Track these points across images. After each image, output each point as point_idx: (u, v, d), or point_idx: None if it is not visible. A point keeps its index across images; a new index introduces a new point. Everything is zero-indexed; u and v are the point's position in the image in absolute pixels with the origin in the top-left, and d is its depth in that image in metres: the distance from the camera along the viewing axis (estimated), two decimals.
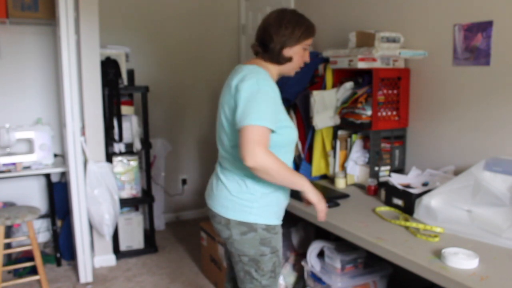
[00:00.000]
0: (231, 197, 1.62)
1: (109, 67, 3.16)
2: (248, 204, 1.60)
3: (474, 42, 2.05)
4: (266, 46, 1.64)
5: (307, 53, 1.72)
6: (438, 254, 1.48)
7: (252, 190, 1.60)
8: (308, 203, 1.62)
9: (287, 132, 1.61)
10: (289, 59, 1.66)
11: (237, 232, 1.60)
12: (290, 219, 1.71)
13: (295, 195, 1.84)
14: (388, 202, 2.05)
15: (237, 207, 1.60)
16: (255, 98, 1.48)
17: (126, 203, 3.36)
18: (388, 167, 2.39)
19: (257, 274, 1.64)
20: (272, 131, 1.51)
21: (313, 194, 1.58)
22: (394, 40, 2.30)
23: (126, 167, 3.34)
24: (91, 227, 3.11)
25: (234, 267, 1.71)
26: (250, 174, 1.58)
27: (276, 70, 1.69)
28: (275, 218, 1.66)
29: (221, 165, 1.70)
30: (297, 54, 1.67)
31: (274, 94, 1.54)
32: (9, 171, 2.97)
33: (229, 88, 1.58)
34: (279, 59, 1.65)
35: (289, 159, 1.67)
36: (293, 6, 3.42)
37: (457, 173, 1.98)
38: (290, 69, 1.71)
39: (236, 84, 1.54)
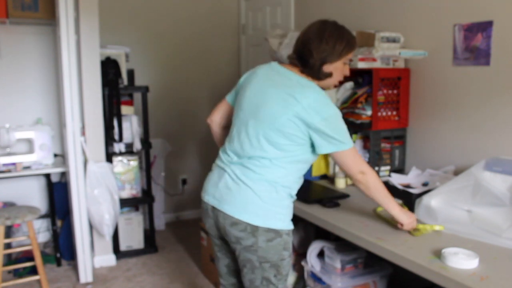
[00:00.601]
0: (262, 203, 1.56)
1: (109, 67, 3.16)
2: (278, 210, 1.58)
3: (474, 42, 2.05)
4: (305, 61, 1.59)
5: (347, 66, 1.67)
6: (438, 254, 1.48)
7: (281, 196, 1.59)
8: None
9: None
10: (329, 75, 1.62)
11: (263, 239, 1.56)
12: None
13: (301, 198, 1.84)
14: None
15: (267, 214, 1.56)
16: (338, 122, 1.55)
17: (126, 203, 3.36)
18: (388, 167, 2.39)
19: (276, 279, 1.62)
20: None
21: (402, 218, 1.66)
22: (394, 40, 2.30)
23: (126, 167, 3.34)
24: (91, 227, 3.11)
25: (246, 275, 1.63)
26: (281, 179, 1.58)
27: (316, 83, 1.64)
28: (292, 222, 1.66)
29: (245, 166, 1.59)
30: (337, 69, 1.63)
31: None
32: (9, 171, 2.97)
33: (297, 102, 1.51)
34: (319, 75, 1.61)
35: (305, 169, 1.68)
36: (293, 6, 3.42)
37: (457, 173, 1.98)
38: (329, 84, 1.67)
39: (313, 107, 1.50)
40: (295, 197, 1.69)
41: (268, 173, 1.57)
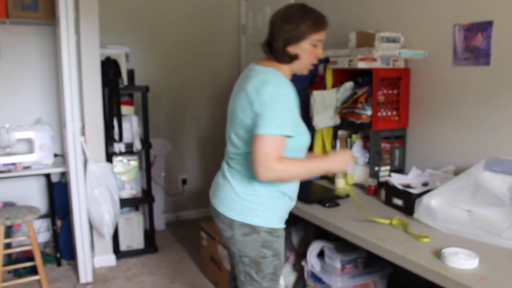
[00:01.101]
0: (237, 198, 1.60)
1: (109, 67, 3.16)
2: (254, 207, 1.58)
3: (474, 42, 2.05)
4: (271, 46, 1.58)
5: (319, 49, 1.61)
6: (438, 254, 1.48)
7: (258, 192, 1.59)
8: None
9: (301, 139, 1.59)
10: (295, 57, 1.58)
11: (239, 233, 1.59)
12: (290, 219, 1.71)
13: (301, 198, 1.83)
14: (388, 202, 2.05)
15: (242, 209, 1.58)
16: (276, 104, 1.46)
17: (126, 203, 3.36)
18: (388, 167, 2.39)
19: (257, 276, 1.62)
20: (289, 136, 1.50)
21: (336, 168, 1.63)
22: (394, 40, 2.30)
23: (126, 167, 3.34)
24: (91, 227, 3.11)
25: (236, 266, 1.70)
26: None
27: (288, 69, 1.62)
28: (279, 222, 1.65)
29: (229, 164, 1.66)
30: (305, 51, 1.58)
31: (294, 100, 1.52)
32: (9, 171, 2.97)
33: (246, 92, 1.52)
34: (283, 58, 1.57)
35: None
36: None
37: (457, 173, 1.98)
38: (300, 67, 1.63)
39: (256, 88, 1.49)
40: (288, 195, 1.65)
41: (244, 169, 1.60)
